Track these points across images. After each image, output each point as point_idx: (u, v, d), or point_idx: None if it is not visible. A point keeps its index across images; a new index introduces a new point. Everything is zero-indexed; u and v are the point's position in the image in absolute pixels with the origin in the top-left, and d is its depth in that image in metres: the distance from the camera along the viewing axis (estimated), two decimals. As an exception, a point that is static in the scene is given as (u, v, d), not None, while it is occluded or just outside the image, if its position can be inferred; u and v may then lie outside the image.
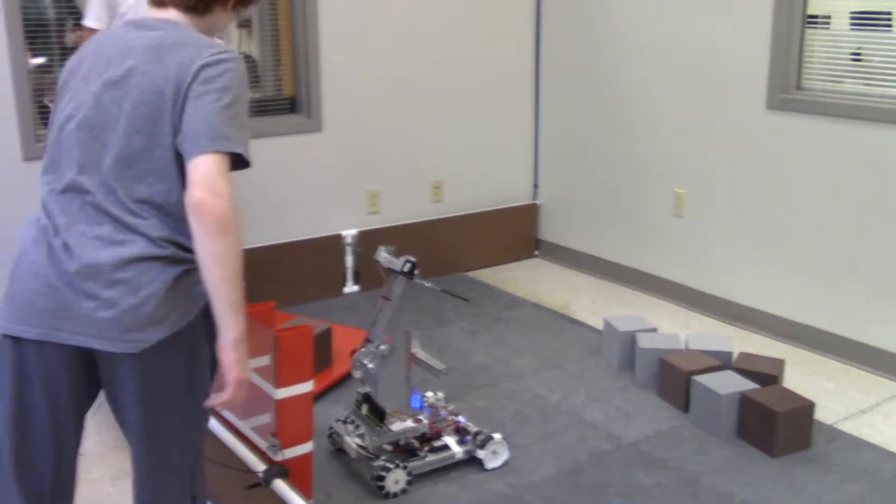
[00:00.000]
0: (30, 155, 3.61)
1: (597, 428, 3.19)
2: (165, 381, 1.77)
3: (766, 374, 3.28)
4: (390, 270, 2.80)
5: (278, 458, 2.31)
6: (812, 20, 3.77)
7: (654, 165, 4.49)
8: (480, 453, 2.90)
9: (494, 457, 2.92)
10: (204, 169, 1.66)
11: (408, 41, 4.59)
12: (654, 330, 3.66)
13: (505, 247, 5.14)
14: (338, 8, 4.33)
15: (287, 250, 4.38)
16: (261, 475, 2.27)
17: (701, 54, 4.17)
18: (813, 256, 3.84)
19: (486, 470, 2.90)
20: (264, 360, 2.31)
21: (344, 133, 4.48)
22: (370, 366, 2.81)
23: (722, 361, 3.37)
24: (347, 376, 3.52)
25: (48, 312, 1.70)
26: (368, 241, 4.57)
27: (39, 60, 3.71)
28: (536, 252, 5.28)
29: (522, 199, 5.21)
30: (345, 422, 2.98)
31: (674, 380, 3.33)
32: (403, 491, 2.76)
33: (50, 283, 1.70)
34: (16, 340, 1.74)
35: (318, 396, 3.37)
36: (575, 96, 4.88)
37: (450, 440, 2.93)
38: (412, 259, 2.76)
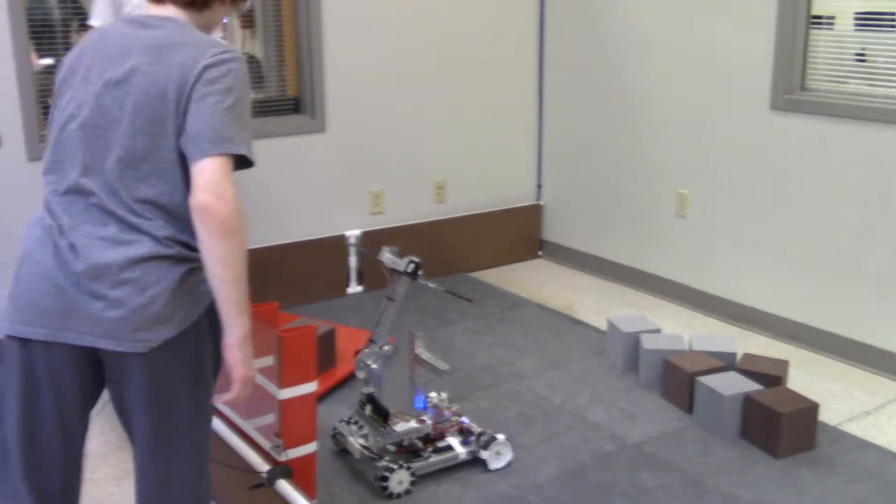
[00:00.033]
0: (34, 155, 3.61)
1: (600, 429, 3.19)
2: (172, 380, 1.78)
3: (770, 375, 3.27)
4: (394, 271, 2.80)
5: (282, 458, 2.31)
6: (816, 20, 3.77)
7: (657, 166, 4.49)
8: (484, 454, 2.89)
9: (498, 457, 2.92)
10: (208, 172, 1.66)
11: (411, 41, 4.59)
12: (657, 331, 3.66)
13: (508, 247, 5.14)
14: (341, 8, 4.34)
15: (291, 251, 4.39)
16: (264, 475, 2.27)
17: (705, 54, 4.16)
18: (817, 257, 3.83)
19: (490, 471, 2.90)
20: (268, 361, 2.31)
21: (347, 133, 4.49)
22: (374, 366, 2.81)
23: (726, 362, 3.37)
24: (351, 377, 3.52)
25: (55, 313, 1.70)
26: (372, 241, 4.57)
27: (48, 61, 3.71)
28: (540, 253, 5.28)
29: (526, 200, 5.21)
30: (348, 422, 2.98)
31: (677, 381, 3.32)
32: (407, 491, 2.76)
33: (57, 283, 1.70)
34: (23, 342, 1.74)
35: (321, 397, 3.37)
36: (578, 96, 4.88)
37: (453, 441, 2.93)
38: (416, 259, 2.76)
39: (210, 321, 1.81)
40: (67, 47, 3.76)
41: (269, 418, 2.36)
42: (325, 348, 3.50)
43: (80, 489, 1.88)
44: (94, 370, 1.80)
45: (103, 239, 1.71)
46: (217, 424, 2.50)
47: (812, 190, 3.81)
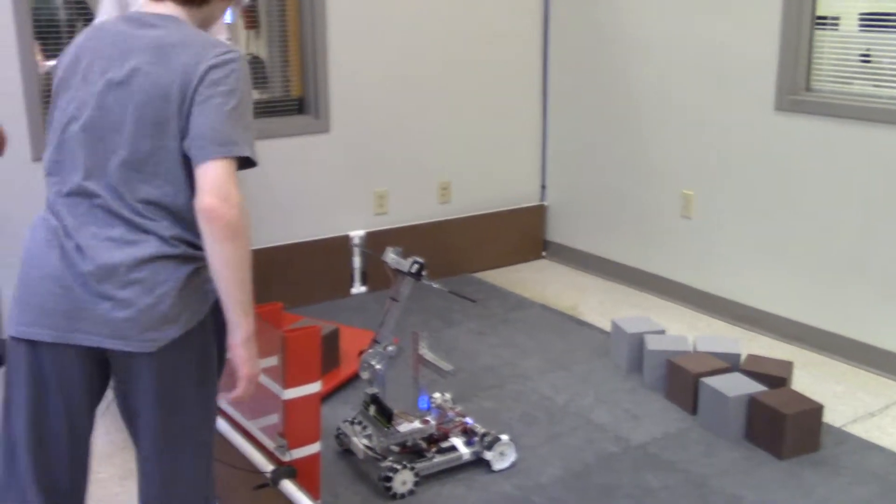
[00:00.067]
0: (39, 155, 3.62)
1: (604, 430, 3.19)
2: (180, 379, 1.79)
3: (775, 377, 3.27)
4: (398, 271, 2.80)
5: (286, 458, 2.31)
6: (821, 21, 3.76)
7: (662, 167, 4.48)
8: (488, 454, 2.89)
9: (502, 458, 2.92)
10: (213, 175, 1.67)
11: (415, 42, 4.59)
12: (662, 332, 3.65)
13: (512, 248, 5.14)
14: (346, 9, 4.34)
15: (295, 251, 4.39)
16: (268, 475, 2.27)
17: (709, 55, 4.16)
18: (822, 258, 3.83)
19: (494, 471, 2.90)
20: (272, 361, 2.31)
21: (352, 134, 4.49)
22: (378, 367, 2.81)
23: (730, 363, 3.37)
24: (355, 377, 3.52)
25: (63, 314, 1.71)
26: (376, 242, 4.58)
27: (54, 63, 3.72)
28: (544, 253, 5.28)
29: (530, 201, 5.20)
30: (352, 422, 2.99)
31: (682, 382, 3.32)
32: (411, 492, 2.76)
33: (64, 284, 1.70)
34: (30, 343, 1.74)
35: (325, 397, 3.37)
36: (583, 97, 4.88)
37: (457, 441, 2.93)
38: (420, 260, 2.76)
39: (215, 320, 1.82)
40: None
41: (273, 418, 2.36)
42: (329, 349, 3.50)
43: (87, 488, 1.89)
44: (101, 370, 1.81)
45: (110, 240, 1.71)
46: (221, 424, 2.50)
47: (817, 191, 3.80)
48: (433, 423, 2.90)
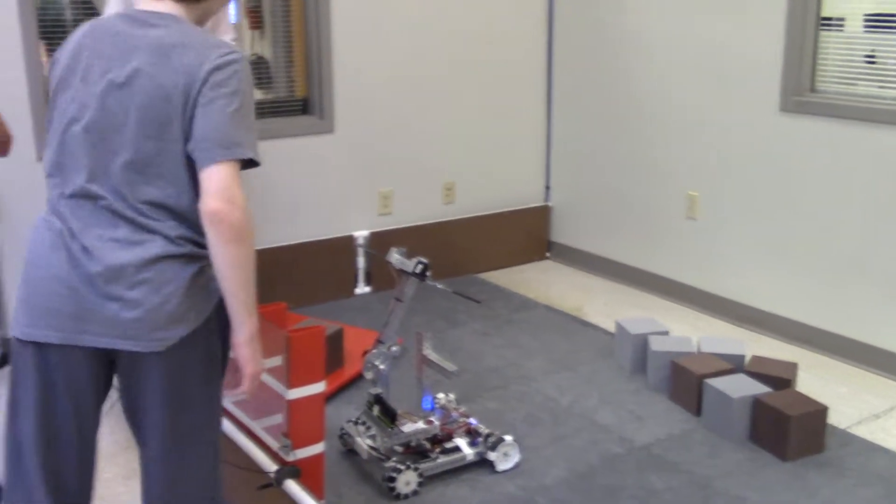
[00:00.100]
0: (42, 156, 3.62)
1: (609, 431, 3.18)
2: (187, 377, 1.80)
3: (779, 378, 3.26)
4: (402, 272, 2.80)
5: (290, 458, 2.31)
6: (826, 22, 3.76)
7: (666, 168, 4.48)
8: (492, 455, 2.89)
9: (506, 459, 2.92)
10: (218, 178, 1.67)
11: (420, 42, 4.59)
12: (666, 333, 3.65)
13: (517, 249, 5.14)
14: (350, 9, 4.34)
15: (299, 251, 4.39)
16: (272, 475, 2.28)
17: (714, 56, 4.16)
18: (827, 259, 3.82)
19: (498, 472, 2.90)
20: (276, 361, 2.32)
21: (356, 134, 4.49)
22: (382, 367, 2.81)
23: (734, 365, 3.36)
24: (359, 377, 3.52)
25: (71, 316, 1.71)
26: (380, 242, 4.58)
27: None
28: (548, 254, 5.28)
29: (534, 201, 5.20)
30: (356, 423, 2.99)
31: (686, 383, 3.32)
32: (414, 492, 2.76)
33: (72, 285, 1.70)
34: (37, 345, 1.74)
35: (329, 397, 3.37)
36: (587, 98, 4.87)
37: (461, 442, 2.93)
38: (424, 260, 2.76)
39: (218, 318, 1.82)
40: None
41: (278, 418, 2.36)
42: (333, 349, 3.50)
43: (94, 487, 1.89)
44: (106, 371, 1.81)
45: (115, 241, 1.71)
46: (225, 424, 2.50)
47: (822, 192, 3.80)
48: (437, 423, 2.90)
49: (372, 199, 4.62)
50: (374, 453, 2.83)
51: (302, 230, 4.41)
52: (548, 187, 5.23)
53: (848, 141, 3.68)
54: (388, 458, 2.79)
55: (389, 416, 2.82)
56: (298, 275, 4.39)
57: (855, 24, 3.68)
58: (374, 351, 2.82)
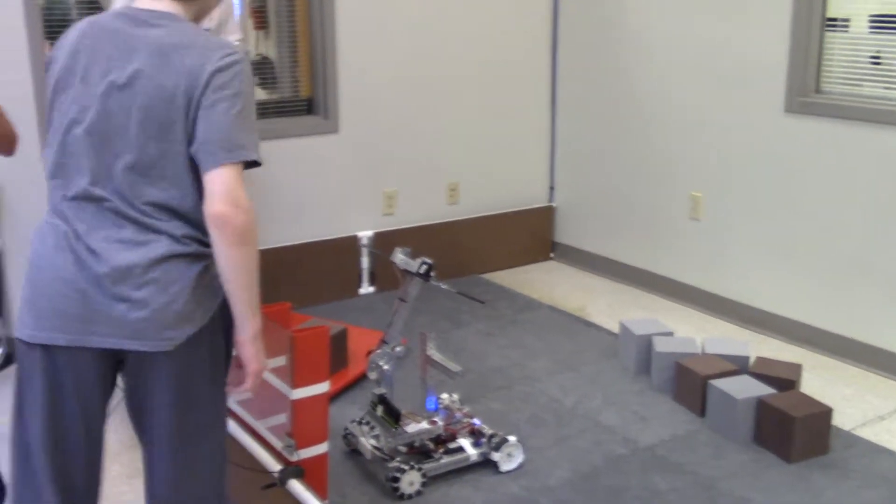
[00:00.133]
0: (49, 155, 3.63)
1: (613, 432, 3.18)
2: (194, 376, 1.81)
3: (784, 379, 3.26)
4: (406, 272, 2.80)
5: (294, 458, 2.31)
6: (831, 23, 3.75)
7: (670, 168, 4.47)
8: (495, 456, 2.89)
9: (509, 459, 2.91)
10: (222, 181, 1.68)
11: (424, 42, 4.59)
12: (670, 334, 3.64)
13: (521, 249, 5.13)
14: (355, 9, 4.34)
15: (303, 251, 4.39)
16: (276, 475, 2.28)
17: (719, 57, 4.15)
18: (831, 260, 3.81)
19: (501, 472, 2.90)
20: (280, 361, 2.32)
21: (360, 134, 4.49)
22: (386, 367, 2.81)
23: (739, 366, 3.35)
24: (363, 377, 3.52)
25: (79, 317, 1.71)
26: (384, 242, 4.58)
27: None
28: (552, 254, 5.27)
29: (538, 202, 5.20)
30: (360, 423, 2.99)
31: (690, 384, 3.31)
32: (418, 492, 2.76)
33: (79, 287, 1.70)
34: (45, 348, 1.74)
35: (333, 397, 3.37)
36: (592, 98, 4.87)
37: (465, 442, 2.92)
38: (428, 261, 2.76)
39: (222, 316, 1.83)
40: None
41: (282, 418, 2.36)
42: (338, 349, 3.51)
43: (101, 487, 1.90)
44: (113, 371, 1.81)
45: (121, 242, 1.72)
46: (230, 424, 2.50)
47: (826, 193, 3.79)
48: (441, 423, 2.89)
49: (376, 199, 4.62)
50: (377, 453, 2.83)
51: (306, 230, 4.41)
52: (552, 188, 5.23)
53: (853, 142, 3.67)
54: (392, 459, 2.79)
55: (393, 417, 2.82)
56: (302, 275, 4.39)
57: (860, 25, 3.67)
58: (378, 351, 2.82)
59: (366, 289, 4.61)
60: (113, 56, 1.73)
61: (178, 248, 1.74)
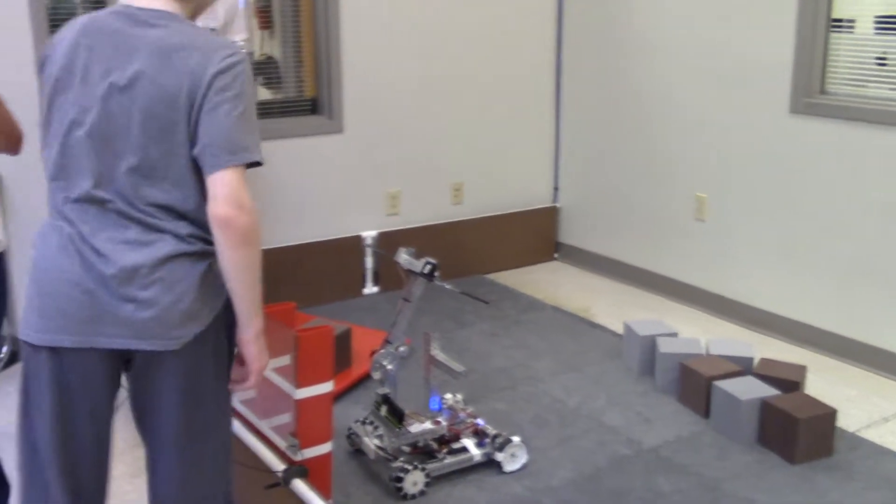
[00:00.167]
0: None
1: (616, 432, 3.18)
2: (201, 374, 1.82)
3: (788, 381, 3.25)
4: (410, 272, 2.80)
5: (298, 457, 2.31)
6: (836, 24, 3.74)
7: (675, 169, 4.47)
8: (499, 456, 2.89)
9: (513, 460, 2.91)
10: (227, 184, 1.68)
11: (429, 43, 4.59)
12: (674, 334, 3.64)
13: (525, 249, 5.13)
14: (360, 10, 4.35)
15: (307, 251, 4.40)
16: (280, 475, 2.28)
17: (724, 58, 4.15)
18: (836, 262, 3.81)
19: (505, 473, 2.90)
20: (284, 360, 2.32)
21: (365, 134, 4.49)
22: (389, 367, 2.81)
23: (743, 367, 3.35)
24: (366, 377, 3.52)
25: (86, 319, 1.71)
26: (388, 242, 4.58)
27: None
28: (556, 255, 5.27)
29: (542, 202, 5.20)
30: (364, 422, 2.99)
31: (694, 385, 3.31)
32: (421, 493, 2.76)
33: (86, 288, 1.70)
34: (52, 350, 1.73)
35: (337, 397, 3.38)
36: (596, 99, 4.87)
37: (468, 442, 2.92)
38: (432, 261, 2.76)
39: (225, 315, 1.83)
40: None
41: (285, 418, 2.36)
42: (341, 348, 3.51)
43: (109, 485, 1.90)
44: (119, 372, 1.81)
45: (126, 242, 1.72)
46: (234, 424, 2.51)
47: (831, 194, 3.78)
48: (444, 423, 2.89)
49: (380, 199, 4.62)
50: (381, 453, 2.83)
51: (310, 230, 4.42)
52: (556, 188, 5.22)
53: (858, 143, 3.66)
54: (396, 459, 2.79)
55: (397, 417, 2.82)
56: (306, 275, 4.40)
57: (865, 26, 3.67)
58: (382, 351, 2.82)
59: (370, 289, 4.62)
60: (113, 57, 1.71)
61: (184, 247, 1.74)
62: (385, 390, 2.85)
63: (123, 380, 1.85)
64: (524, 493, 2.79)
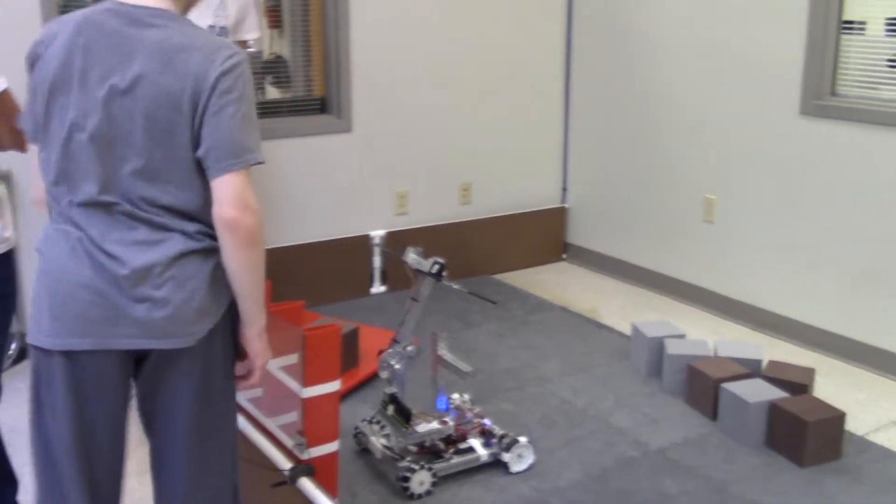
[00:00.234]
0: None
1: (624, 434, 3.17)
2: (213, 371, 1.83)
3: (796, 383, 3.24)
4: (418, 271, 2.80)
5: (304, 456, 2.31)
6: (847, 26, 3.73)
7: (684, 170, 4.46)
8: (506, 456, 2.89)
9: (520, 460, 2.91)
10: (232, 186, 1.70)
11: (438, 43, 4.59)
12: (682, 336, 3.63)
13: (533, 250, 5.13)
14: (369, 9, 4.35)
15: (315, 250, 4.40)
16: (287, 473, 2.28)
17: (734, 59, 4.13)
18: (846, 265, 3.79)
19: (511, 473, 2.90)
20: (292, 359, 2.32)
21: (373, 134, 4.50)
22: (397, 366, 2.81)
23: (751, 369, 3.34)
24: (374, 376, 3.52)
25: (101, 321, 1.70)
26: (396, 242, 4.58)
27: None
28: (564, 255, 5.26)
29: (551, 203, 5.19)
30: (371, 422, 2.99)
31: (702, 387, 3.30)
32: (428, 492, 2.76)
33: (100, 291, 1.70)
34: (67, 354, 1.73)
35: (344, 396, 3.38)
36: (605, 100, 4.86)
37: (475, 442, 2.92)
38: (440, 260, 2.75)
39: (230, 312, 1.84)
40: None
41: (292, 416, 2.36)
42: (349, 347, 3.51)
43: (124, 485, 1.90)
44: (132, 372, 1.82)
45: (136, 243, 1.72)
46: (240, 421, 2.51)
47: (841, 196, 3.77)
48: (451, 423, 2.89)
49: (389, 198, 4.62)
50: (388, 453, 2.83)
51: (318, 229, 4.42)
52: (564, 189, 5.22)
53: (868, 145, 3.65)
54: (403, 458, 2.79)
55: (404, 416, 2.82)
56: (314, 274, 4.40)
57: (877, 28, 3.65)
58: (389, 350, 2.82)
59: (377, 288, 4.62)
60: (111, 59, 1.69)
61: (193, 245, 1.74)
62: (392, 390, 2.85)
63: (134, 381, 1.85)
64: (531, 494, 2.79)
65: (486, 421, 2.97)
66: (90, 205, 1.72)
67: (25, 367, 1.98)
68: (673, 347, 3.50)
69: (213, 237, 1.77)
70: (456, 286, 2.88)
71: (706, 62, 4.26)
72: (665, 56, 4.47)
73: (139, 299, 1.70)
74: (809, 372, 3.35)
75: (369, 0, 4.34)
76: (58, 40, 1.72)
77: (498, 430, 2.95)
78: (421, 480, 2.74)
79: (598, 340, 4.01)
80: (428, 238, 4.64)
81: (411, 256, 2.82)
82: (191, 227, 1.75)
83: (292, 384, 2.34)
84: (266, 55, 4.39)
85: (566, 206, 5.22)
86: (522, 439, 2.91)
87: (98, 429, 1.78)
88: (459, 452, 2.88)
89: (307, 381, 2.28)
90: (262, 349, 1.89)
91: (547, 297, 4.60)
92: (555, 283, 4.86)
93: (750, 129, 4.11)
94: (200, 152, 1.70)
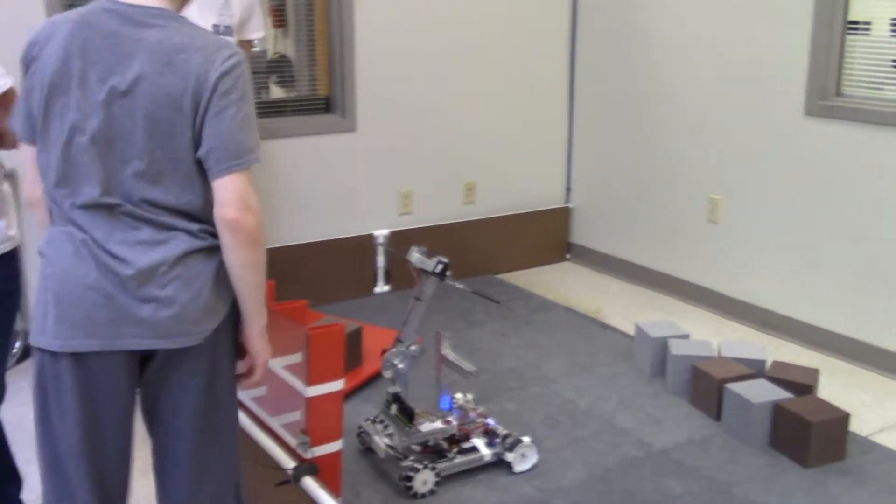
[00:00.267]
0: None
1: (627, 434, 3.17)
2: (218, 369, 1.83)
3: (800, 384, 3.24)
4: (422, 271, 2.80)
5: (308, 455, 2.31)
6: (852, 26, 3.72)
7: (688, 170, 4.45)
8: (509, 456, 2.89)
9: (523, 460, 2.91)
10: (234, 187, 1.70)
11: (443, 43, 4.59)
12: (686, 336, 3.63)
13: (536, 250, 5.13)
14: (374, 9, 4.35)
15: (319, 249, 4.40)
16: (290, 472, 2.28)
17: (739, 59, 4.13)
18: (850, 265, 3.78)
19: (515, 473, 2.90)
20: (296, 358, 2.32)
21: (377, 133, 4.50)
22: (400, 366, 2.81)
23: (755, 370, 3.34)
24: (377, 376, 3.52)
25: (107, 322, 1.70)
26: (400, 241, 4.58)
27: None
28: (568, 255, 5.26)
29: (555, 203, 5.19)
30: (374, 421, 2.99)
31: (706, 387, 3.30)
32: (431, 492, 2.76)
33: (106, 292, 1.70)
34: (75, 357, 1.73)
35: (347, 395, 3.38)
36: (609, 100, 4.86)
37: (478, 442, 2.92)
38: (444, 260, 2.75)
39: (232, 311, 1.84)
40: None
41: (296, 415, 2.36)
42: (352, 347, 3.51)
43: (131, 485, 1.91)
44: (138, 373, 1.81)
45: (141, 243, 1.72)
46: (244, 420, 2.51)
47: (846, 197, 3.76)
48: (455, 423, 2.89)
49: (393, 198, 4.62)
50: (391, 452, 2.83)
51: (322, 228, 4.42)
52: (568, 189, 5.22)
53: (873, 146, 3.64)
54: (406, 457, 2.79)
55: (407, 415, 2.82)
56: (318, 273, 4.40)
57: (882, 29, 3.65)
58: (393, 350, 2.82)
59: (381, 287, 4.62)
60: (110, 60, 1.68)
61: (197, 243, 1.75)
62: (396, 389, 2.85)
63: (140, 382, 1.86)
64: (534, 494, 2.79)
65: (490, 420, 2.97)
66: (92, 207, 1.72)
67: (29, 365, 1.98)
68: (677, 348, 3.50)
69: (216, 235, 1.77)
70: (459, 286, 2.88)
71: (711, 62, 4.26)
72: (670, 56, 4.46)
73: (145, 299, 1.70)
74: (813, 372, 3.34)
75: (374, 0, 4.34)
76: (54, 41, 1.71)
77: (501, 430, 2.95)
78: (424, 480, 2.74)
79: (601, 340, 4.01)
80: (432, 237, 4.64)
81: (415, 256, 2.82)
82: (194, 226, 1.75)
83: (296, 383, 2.34)
84: (270, 54, 4.39)
85: (570, 206, 5.22)
86: (526, 439, 2.91)
87: (106, 431, 1.78)
88: (463, 452, 2.88)
89: (311, 381, 2.28)
90: (263, 348, 1.90)
91: (550, 296, 4.60)
92: (558, 282, 4.86)
93: (754, 129, 4.10)
94: (202, 153, 1.70)
